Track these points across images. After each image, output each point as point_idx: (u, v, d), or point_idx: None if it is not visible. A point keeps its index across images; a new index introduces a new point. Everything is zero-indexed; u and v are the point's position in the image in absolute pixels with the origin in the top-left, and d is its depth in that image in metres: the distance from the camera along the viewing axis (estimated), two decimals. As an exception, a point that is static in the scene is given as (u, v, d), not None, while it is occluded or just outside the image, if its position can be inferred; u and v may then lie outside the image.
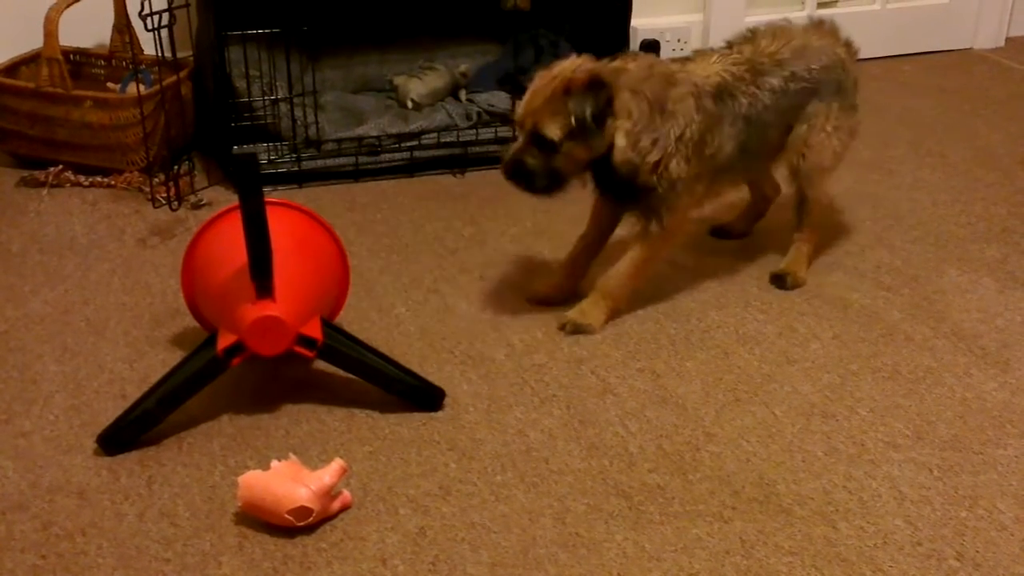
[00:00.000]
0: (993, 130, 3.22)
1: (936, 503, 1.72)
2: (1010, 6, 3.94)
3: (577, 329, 2.14)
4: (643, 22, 3.46)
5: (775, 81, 2.18)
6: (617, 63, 2.04)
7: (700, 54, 2.20)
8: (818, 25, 2.35)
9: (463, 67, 3.09)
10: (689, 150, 2.05)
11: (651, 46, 3.53)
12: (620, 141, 1.99)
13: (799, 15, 3.70)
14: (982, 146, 3.11)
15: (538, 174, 2.02)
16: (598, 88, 1.96)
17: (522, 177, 2.03)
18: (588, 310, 2.16)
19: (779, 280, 2.34)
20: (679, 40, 3.58)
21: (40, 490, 1.73)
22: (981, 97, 3.50)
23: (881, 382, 2.03)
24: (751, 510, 1.70)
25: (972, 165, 2.98)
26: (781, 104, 2.19)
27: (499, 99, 2.99)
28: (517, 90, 3.03)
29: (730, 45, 2.23)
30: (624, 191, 2.09)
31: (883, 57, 3.80)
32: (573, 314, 2.16)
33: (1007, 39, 3.97)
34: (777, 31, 2.25)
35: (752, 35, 2.24)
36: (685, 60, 2.18)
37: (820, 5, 3.73)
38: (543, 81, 1.99)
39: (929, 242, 2.56)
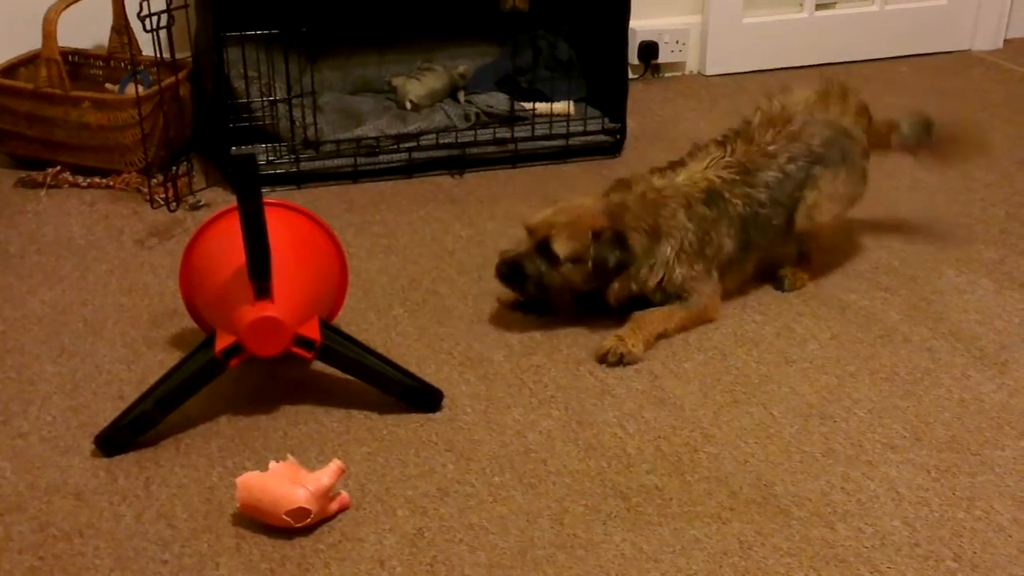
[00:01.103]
0: (991, 131, 3.22)
1: (934, 504, 1.72)
2: (1008, 8, 3.94)
3: (621, 358, 2.06)
4: (641, 23, 3.46)
5: (770, 176, 2.21)
6: (617, 200, 2.14)
7: (694, 157, 2.24)
8: (825, 94, 2.33)
9: (461, 68, 3.09)
10: (691, 256, 2.14)
11: (648, 49, 3.54)
12: (617, 284, 2.13)
13: (798, 17, 3.71)
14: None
15: (531, 280, 2.11)
16: (624, 245, 2.09)
17: (515, 278, 2.12)
18: (628, 336, 2.10)
19: (778, 281, 2.35)
20: (677, 42, 3.58)
21: (38, 491, 1.73)
22: (979, 99, 3.50)
23: (879, 383, 2.03)
24: (749, 511, 1.70)
25: (970, 166, 2.98)
26: (782, 191, 2.23)
27: (497, 100, 2.99)
28: (516, 91, 3.04)
29: (724, 141, 2.26)
30: (633, 305, 2.17)
31: (881, 59, 3.80)
32: (611, 342, 2.08)
33: (1005, 41, 3.97)
34: (775, 117, 2.27)
35: (747, 126, 2.28)
36: (677, 164, 2.23)
37: (819, 7, 3.73)
38: (567, 206, 2.13)
39: (927, 243, 2.56)
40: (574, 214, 2.10)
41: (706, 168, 2.20)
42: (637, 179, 2.19)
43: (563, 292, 2.15)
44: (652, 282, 2.13)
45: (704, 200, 2.15)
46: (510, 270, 2.12)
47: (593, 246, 2.07)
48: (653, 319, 2.14)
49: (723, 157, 2.22)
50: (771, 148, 2.23)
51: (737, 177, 2.19)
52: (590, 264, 2.08)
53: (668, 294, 2.16)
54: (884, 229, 2.62)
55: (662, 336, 2.14)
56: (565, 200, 2.17)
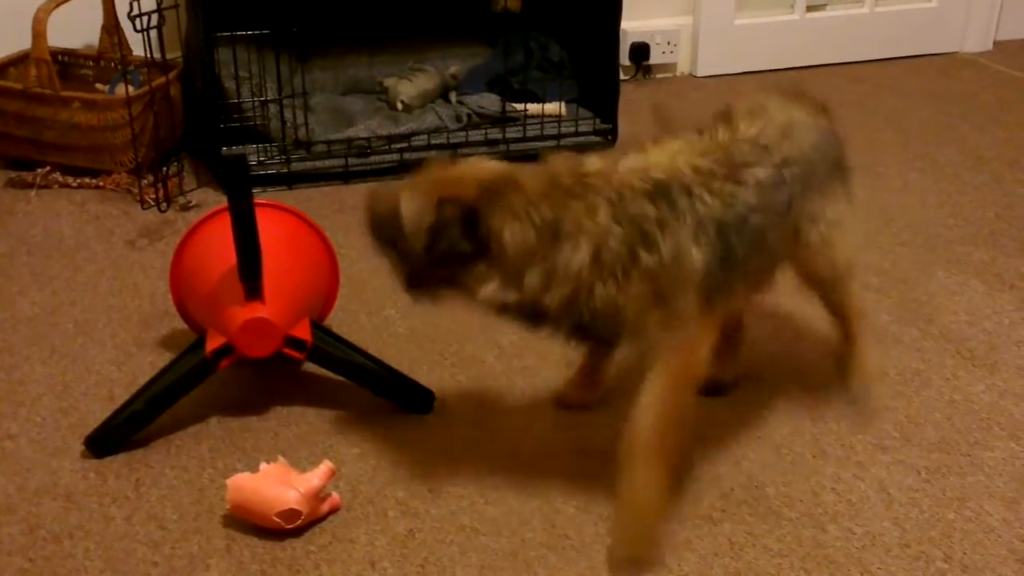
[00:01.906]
0: (981, 133, 3.24)
1: (924, 505, 1.73)
2: (998, 10, 3.96)
3: (639, 565, 1.61)
4: (633, 25, 3.47)
5: (763, 173, 1.66)
6: (523, 176, 1.58)
7: (660, 144, 1.67)
8: (794, 95, 1.86)
9: (453, 69, 3.09)
10: (616, 270, 1.54)
11: (640, 50, 3.55)
12: (478, 284, 1.57)
13: (789, 19, 3.72)
14: (970, 149, 3.12)
15: (387, 247, 1.64)
16: (471, 228, 1.54)
17: (379, 242, 1.65)
18: (626, 533, 1.62)
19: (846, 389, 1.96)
20: (669, 43, 3.59)
21: (27, 493, 1.73)
22: (969, 101, 3.52)
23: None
24: (740, 512, 1.71)
25: (960, 168, 2.99)
26: (776, 200, 1.68)
27: (489, 101, 2.99)
28: (507, 92, 3.04)
29: (700, 131, 1.73)
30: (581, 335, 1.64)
31: (871, 60, 3.81)
32: (618, 549, 1.62)
33: (995, 43, 3.99)
34: (754, 109, 1.76)
35: (726, 115, 1.75)
36: (637, 154, 1.66)
37: (809, 8, 3.74)
38: (464, 165, 1.64)
39: (918, 244, 2.57)
40: (448, 174, 1.60)
41: (674, 155, 1.63)
42: (565, 158, 1.62)
43: (418, 272, 1.62)
44: (553, 296, 1.55)
45: (651, 194, 1.56)
46: (373, 229, 1.63)
47: (435, 218, 1.54)
48: (644, 460, 1.59)
49: (699, 143, 1.69)
50: (762, 141, 1.70)
51: (719, 169, 1.62)
52: (424, 241, 1.55)
53: (609, 329, 1.58)
54: (874, 231, 2.63)
55: (674, 449, 1.62)
56: (477, 159, 1.69)
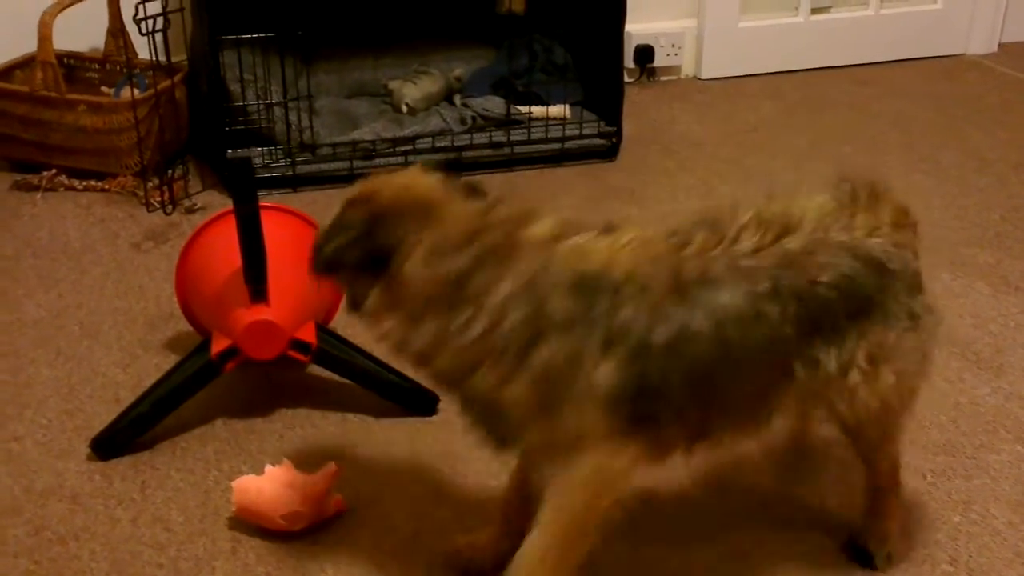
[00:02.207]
0: (986, 135, 3.23)
1: (929, 508, 1.73)
2: (1003, 12, 3.95)
3: None
4: (637, 27, 3.46)
5: (727, 298, 1.34)
6: (444, 203, 1.37)
7: (627, 228, 1.40)
8: (849, 201, 1.48)
9: (458, 71, 3.10)
10: (504, 358, 1.32)
11: (644, 52, 3.55)
12: (377, 312, 1.37)
13: (793, 21, 3.72)
14: (975, 151, 3.12)
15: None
16: (373, 230, 1.35)
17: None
18: None
19: (863, 556, 1.61)
20: (673, 45, 3.59)
21: (33, 495, 1.73)
22: (974, 103, 3.51)
23: (875, 387, 2.03)
24: (747, 517, 1.70)
25: (965, 170, 2.99)
26: (750, 335, 1.35)
27: (494, 104, 3.00)
28: (512, 94, 3.04)
29: (690, 230, 1.41)
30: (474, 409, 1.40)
31: (876, 63, 3.80)
32: None
33: (1000, 45, 3.98)
34: (776, 215, 1.42)
35: (724, 216, 1.43)
36: (607, 230, 1.39)
37: (814, 11, 3.74)
38: (375, 178, 1.43)
39: (922, 247, 2.56)
40: (375, 181, 1.42)
41: (623, 247, 1.36)
42: (514, 209, 1.39)
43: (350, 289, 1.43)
44: (441, 364, 1.35)
45: (568, 285, 1.31)
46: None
47: (338, 218, 1.40)
48: None
49: (663, 241, 1.39)
50: (745, 262, 1.37)
51: (661, 277, 1.34)
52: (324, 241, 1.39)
53: (493, 423, 1.38)
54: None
55: None
56: (419, 171, 1.43)
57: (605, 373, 1.31)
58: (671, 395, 1.34)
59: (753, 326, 1.35)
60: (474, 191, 1.42)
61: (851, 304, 1.41)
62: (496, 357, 1.32)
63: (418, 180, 1.41)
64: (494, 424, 1.37)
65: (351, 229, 1.36)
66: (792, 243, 1.40)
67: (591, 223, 1.40)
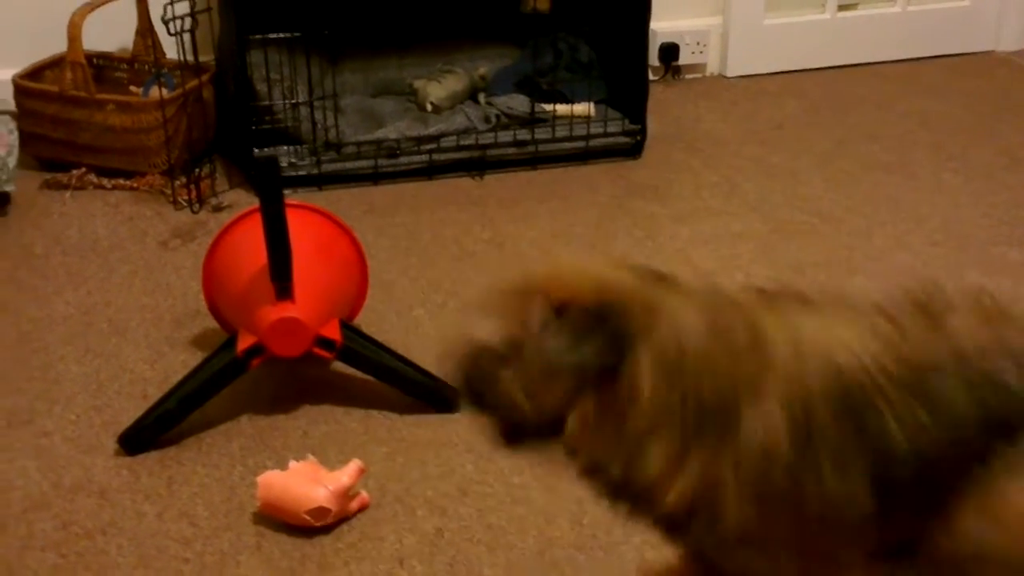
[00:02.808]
0: (1015, 132, 3.20)
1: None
2: (1033, 8, 3.91)
3: None
4: (662, 25, 3.46)
5: (938, 385, 1.12)
6: (660, 296, 1.14)
7: (828, 301, 1.19)
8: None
9: (482, 70, 3.10)
10: (768, 492, 1.11)
11: (669, 50, 3.54)
12: (582, 435, 1.18)
13: (819, 18, 3.70)
14: (1004, 149, 3.09)
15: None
16: (603, 330, 1.12)
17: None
18: None
19: None
20: (698, 43, 3.57)
21: (61, 490, 1.75)
22: (1003, 99, 3.48)
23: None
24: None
25: (994, 168, 2.96)
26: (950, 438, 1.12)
27: (518, 102, 3.00)
28: (536, 93, 3.04)
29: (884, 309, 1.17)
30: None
31: (904, 60, 3.77)
32: None
33: (1030, 41, 3.95)
34: (934, 306, 1.20)
35: (920, 301, 1.20)
36: (804, 305, 1.17)
37: (840, 7, 3.71)
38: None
39: (950, 245, 2.55)
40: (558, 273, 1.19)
41: (854, 320, 1.14)
42: (727, 293, 1.17)
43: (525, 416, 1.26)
44: (669, 492, 1.14)
45: (831, 400, 1.10)
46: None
47: (548, 325, 1.14)
48: None
49: (882, 324, 1.15)
50: (961, 342, 1.16)
51: (898, 371, 1.11)
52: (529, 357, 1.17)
53: (734, 563, 1.19)
54: (906, 232, 2.61)
55: None
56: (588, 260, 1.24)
57: (866, 503, 1.10)
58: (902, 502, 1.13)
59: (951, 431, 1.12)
60: (662, 278, 1.18)
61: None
62: (758, 492, 1.09)
63: (609, 272, 1.18)
64: (733, 563, 1.18)
65: (586, 333, 1.11)
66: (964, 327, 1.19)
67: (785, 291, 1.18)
